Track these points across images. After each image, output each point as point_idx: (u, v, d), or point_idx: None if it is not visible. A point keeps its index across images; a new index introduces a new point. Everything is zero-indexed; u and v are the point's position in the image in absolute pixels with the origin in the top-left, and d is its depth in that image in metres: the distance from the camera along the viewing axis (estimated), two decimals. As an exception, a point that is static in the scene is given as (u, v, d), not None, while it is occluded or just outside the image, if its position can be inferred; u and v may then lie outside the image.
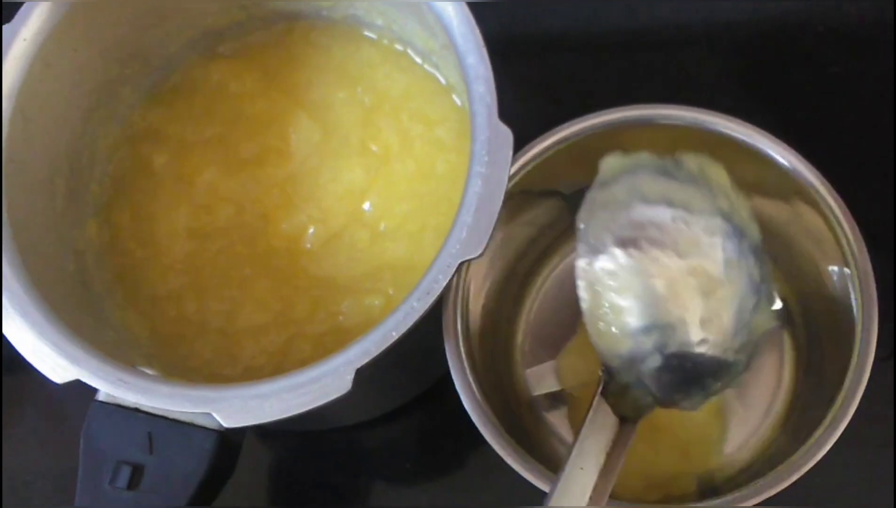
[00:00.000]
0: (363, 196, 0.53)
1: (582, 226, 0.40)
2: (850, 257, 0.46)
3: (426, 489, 0.57)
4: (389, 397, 0.55)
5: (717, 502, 0.43)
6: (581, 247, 0.40)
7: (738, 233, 0.40)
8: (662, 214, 0.39)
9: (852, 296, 0.46)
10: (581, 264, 0.40)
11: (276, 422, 0.45)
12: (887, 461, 0.53)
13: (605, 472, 0.41)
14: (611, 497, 0.44)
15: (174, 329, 0.52)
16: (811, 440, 0.43)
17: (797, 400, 0.52)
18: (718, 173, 0.42)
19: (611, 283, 0.39)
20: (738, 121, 0.47)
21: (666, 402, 0.42)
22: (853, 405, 0.43)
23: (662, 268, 0.39)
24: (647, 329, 0.39)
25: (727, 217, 0.40)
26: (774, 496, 0.43)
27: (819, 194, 0.46)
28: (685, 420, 0.51)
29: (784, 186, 0.47)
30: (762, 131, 0.47)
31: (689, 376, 0.40)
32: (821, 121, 0.59)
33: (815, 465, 0.43)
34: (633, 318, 0.39)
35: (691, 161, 0.41)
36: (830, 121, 0.59)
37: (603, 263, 0.39)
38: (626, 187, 0.40)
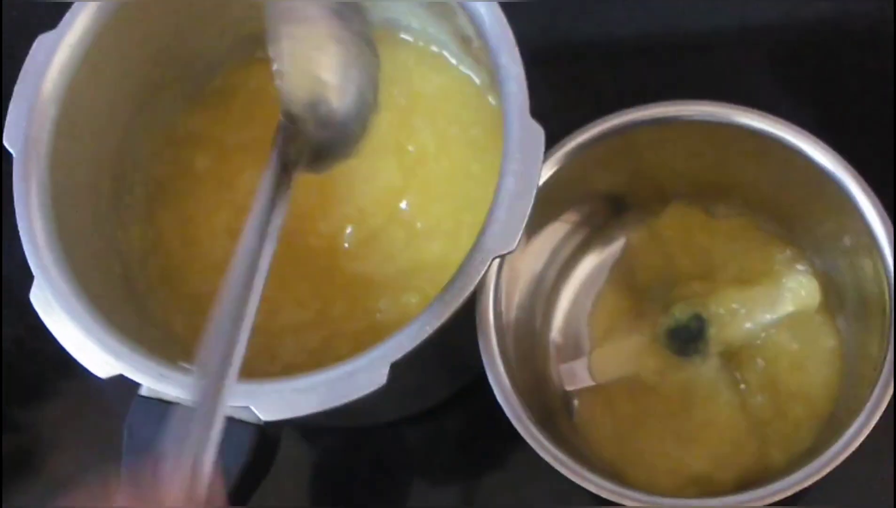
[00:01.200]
0: (400, 196, 0.53)
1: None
2: (882, 254, 0.46)
3: (465, 486, 0.57)
4: (427, 393, 0.56)
5: (731, 499, 0.44)
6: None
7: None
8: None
9: (886, 292, 0.46)
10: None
11: (316, 419, 0.46)
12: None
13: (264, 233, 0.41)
14: (647, 492, 0.44)
15: None
16: (842, 436, 0.43)
17: (839, 397, 0.51)
18: None
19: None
20: (771, 116, 0.47)
21: (321, 152, 0.44)
22: (884, 402, 0.43)
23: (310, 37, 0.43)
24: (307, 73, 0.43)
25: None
26: (801, 492, 0.43)
27: (850, 188, 0.46)
28: (716, 429, 0.51)
29: (817, 182, 0.47)
30: (793, 126, 0.47)
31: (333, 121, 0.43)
32: (858, 119, 0.59)
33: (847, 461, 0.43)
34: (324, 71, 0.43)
35: None
36: (867, 119, 0.59)
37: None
38: None
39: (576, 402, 0.53)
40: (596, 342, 0.54)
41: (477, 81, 0.55)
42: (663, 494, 0.45)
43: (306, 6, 0.43)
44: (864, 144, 0.55)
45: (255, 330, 0.52)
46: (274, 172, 0.43)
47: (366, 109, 0.45)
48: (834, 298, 0.52)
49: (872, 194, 0.46)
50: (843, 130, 0.52)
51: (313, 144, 0.44)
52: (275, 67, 0.43)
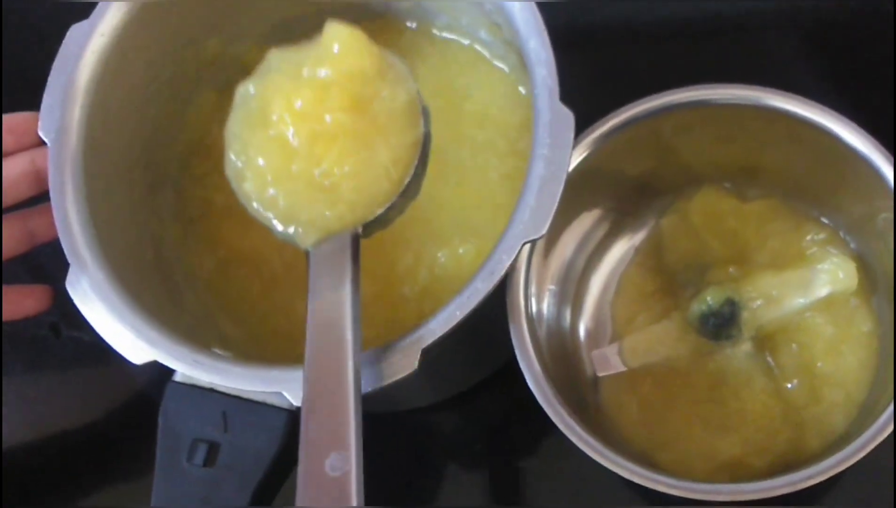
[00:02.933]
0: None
1: None
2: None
3: (497, 470, 0.57)
4: (460, 378, 0.56)
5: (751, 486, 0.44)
6: None
7: None
8: None
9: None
10: None
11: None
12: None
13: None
14: (680, 477, 0.44)
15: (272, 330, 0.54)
16: (876, 421, 0.43)
17: (875, 381, 0.51)
18: None
19: None
20: (801, 98, 0.47)
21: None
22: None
23: None
24: None
25: None
26: (834, 478, 0.43)
27: (882, 168, 0.46)
28: (749, 415, 0.51)
29: (849, 163, 0.47)
30: (824, 108, 0.47)
31: None
32: (890, 101, 0.58)
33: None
34: None
35: None
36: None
37: None
38: None
39: (601, 387, 0.53)
40: (619, 326, 0.54)
41: (506, 70, 0.55)
42: (696, 479, 0.45)
43: None
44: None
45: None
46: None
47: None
48: (869, 280, 0.51)
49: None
50: (876, 112, 0.51)
51: None
52: None
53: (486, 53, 0.55)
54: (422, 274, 0.53)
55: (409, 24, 0.57)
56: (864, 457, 0.43)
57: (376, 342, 0.45)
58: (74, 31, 0.49)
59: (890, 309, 0.51)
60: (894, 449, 0.51)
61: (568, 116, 0.45)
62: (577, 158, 0.47)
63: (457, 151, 0.54)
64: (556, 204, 0.44)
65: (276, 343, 0.53)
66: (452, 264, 0.52)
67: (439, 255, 0.52)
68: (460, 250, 0.52)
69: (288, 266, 0.54)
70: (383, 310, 0.53)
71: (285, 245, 0.53)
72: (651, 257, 0.54)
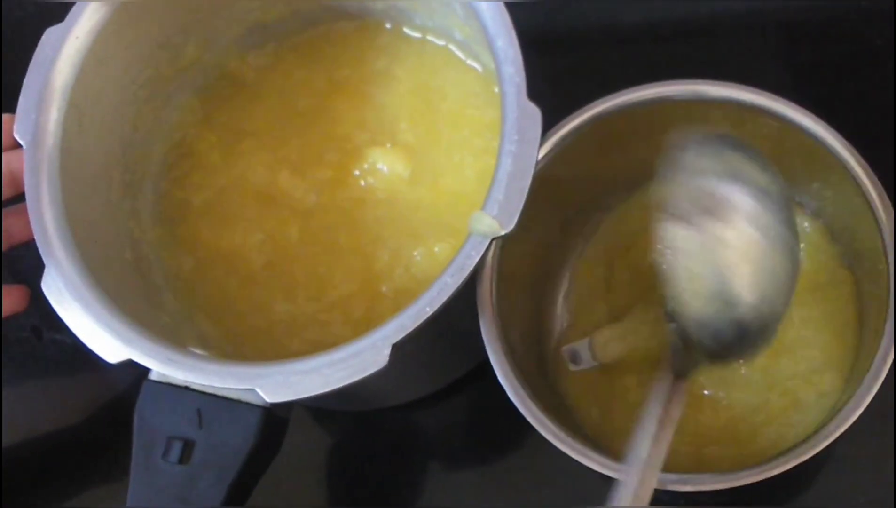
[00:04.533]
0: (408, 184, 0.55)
1: (667, 194, 0.42)
2: (882, 232, 0.46)
3: (477, 467, 0.57)
4: (437, 375, 0.56)
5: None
6: (666, 215, 0.41)
7: (776, 203, 0.42)
8: (733, 187, 0.41)
9: (890, 271, 0.46)
10: (666, 230, 0.41)
11: (328, 402, 0.46)
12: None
13: (663, 424, 0.43)
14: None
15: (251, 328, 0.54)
16: (847, 405, 0.43)
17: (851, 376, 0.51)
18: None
19: (690, 250, 0.41)
20: (768, 94, 0.47)
21: (720, 359, 0.45)
22: (875, 386, 0.43)
23: (730, 239, 0.40)
24: (717, 295, 0.41)
25: (770, 190, 0.42)
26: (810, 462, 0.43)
27: (852, 167, 0.46)
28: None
29: (817, 160, 0.47)
30: (791, 104, 0.47)
31: (744, 336, 0.42)
32: (863, 95, 0.59)
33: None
34: (707, 284, 0.41)
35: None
36: (872, 96, 0.59)
37: (684, 231, 0.41)
38: (709, 160, 0.42)
39: (572, 382, 0.53)
40: (576, 319, 0.54)
41: (480, 69, 0.55)
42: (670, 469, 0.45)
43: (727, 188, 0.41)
44: (868, 119, 0.56)
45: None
46: (667, 384, 0.44)
47: (775, 321, 0.43)
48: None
49: (870, 170, 0.46)
50: (848, 105, 0.52)
51: (709, 354, 0.44)
52: (663, 266, 0.42)
53: (459, 54, 0.56)
54: (398, 272, 0.53)
55: (385, 25, 0.57)
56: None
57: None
58: (50, 34, 0.49)
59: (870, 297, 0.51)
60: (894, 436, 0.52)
61: (535, 113, 0.45)
62: (545, 153, 0.48)
63: (433, 150, 0.55)
64: (523, 200, 0.44)
65: (254, 342, 0.54)
66: (428, 263, 0.53)
67: (415, 254, 0.53)
68: (436, 249, 0.52)
69: (266, 266, 0.55)
70: (360, 308, 0.53)
71: (263, 245, 0.55)
72: (612, 251, 0.55)
